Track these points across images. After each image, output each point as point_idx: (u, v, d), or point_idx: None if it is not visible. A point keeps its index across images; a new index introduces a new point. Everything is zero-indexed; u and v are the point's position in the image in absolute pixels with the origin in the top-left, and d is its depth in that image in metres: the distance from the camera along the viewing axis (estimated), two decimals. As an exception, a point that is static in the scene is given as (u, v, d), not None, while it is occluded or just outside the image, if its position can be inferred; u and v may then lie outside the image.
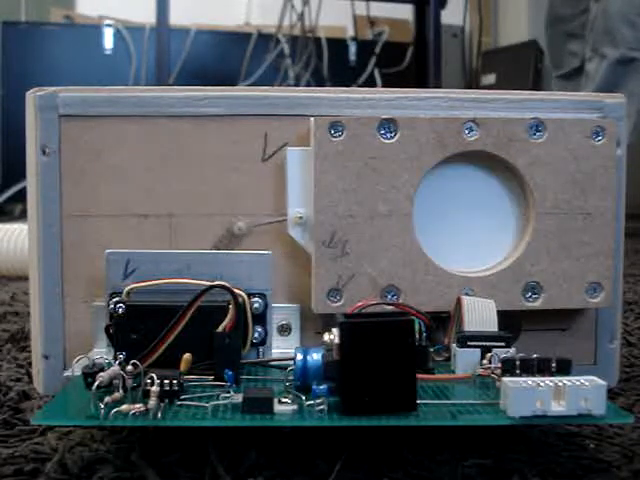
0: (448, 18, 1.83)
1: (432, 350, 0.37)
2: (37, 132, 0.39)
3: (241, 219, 0.39)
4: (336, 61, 2.12)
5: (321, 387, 0.31)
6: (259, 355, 0.37)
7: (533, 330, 0.41)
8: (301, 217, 0.39)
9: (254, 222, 0.39)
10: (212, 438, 0.35)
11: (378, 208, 0.38)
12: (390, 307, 0.37)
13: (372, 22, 2.09)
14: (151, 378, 0.31)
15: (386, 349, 0.30)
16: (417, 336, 0.34)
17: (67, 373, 0.37)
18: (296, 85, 1.89)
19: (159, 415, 0.30)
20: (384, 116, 0.38)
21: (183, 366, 0.33)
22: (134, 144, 0.39)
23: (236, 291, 0.35)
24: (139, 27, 2.02)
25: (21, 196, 1.74)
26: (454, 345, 0.36)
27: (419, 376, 0.32)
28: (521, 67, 2.12)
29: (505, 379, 0.31)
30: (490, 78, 2.25)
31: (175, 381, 0.31)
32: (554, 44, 1.54)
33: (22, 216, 1.70)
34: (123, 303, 0.35)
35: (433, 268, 0.39)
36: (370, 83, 2.11)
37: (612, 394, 0.42)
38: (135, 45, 2.02)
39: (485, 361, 0.35)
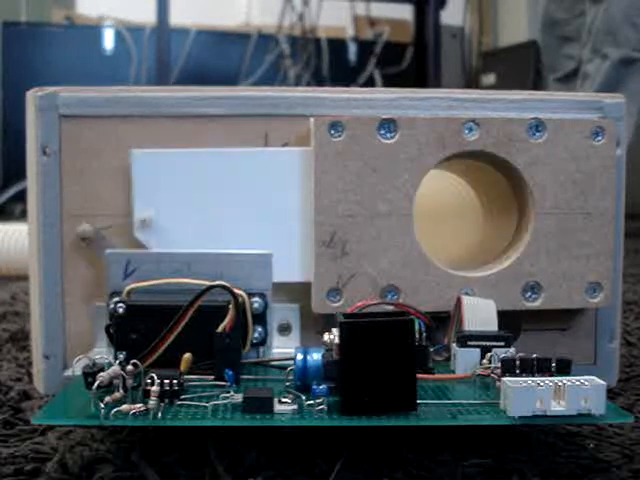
0: (448, 18, 1.84)
1: (432, 350, 0.37)
2: (37, 132, 0.39)
3: (86, 222, 0.38)
4: (336, 61, 2.12)
5: (321, 387, 0.31)
6: (259, 355, 0.37)
7: (533, 330, 0.41)
8: (145, 220, 0.38)
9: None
10: (212, 438, 0.35)
11: (378, 208, 0.38)
12: (390, 307, 0.37)
13: (372, 22, 2.09)
14: (151, 378, 0.31)
15: (386, 349, 0.30)
16: (417, 336, 0.34)
17: (67, 373, 0.37)
18: (296, 85, 1.89)
19: (159, 415, 0.30)
20: (384, 116, 0.38)
21: (183, 366, 0.33)
22: (134, 144, 0.39)
23: (236, 291, 0.35)
24: (139, 27, 2.02)
25: (21, 196, 1.74)
26: (454, 345, 0.36)
27: (419, 376, 0.32)
28: (521, 67, 2.12)
29: (505, 379, 0.31)
30: (490, 78, 2.24)
31: (175, 381, 0.31)
32: (550, 47, 1.55)
33: (22, 216, 1.70)
34: (123, 303, 0.35)
35: (433, 268, 0.39)
36: (370, 83, 2.11)
37: (612, 394, 0.42)
38: (135, 45, 2.02)
39: (485, 361, 0.35)
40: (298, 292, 0.39)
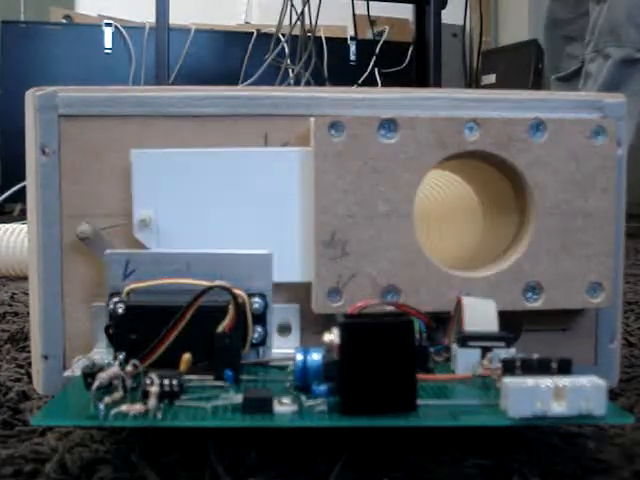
0: (448, 18, 1.83)
1: (432, 350, 0.36)
2: (37, 132, 0.39)
3: (86, 222, 0.38)
4: (336, 61, 2.12)
5: (321, 387, 0.31)
6: (259, 355, 0.37)
7: (533, 330, 0.41)
8: (144, 219, 0.38)
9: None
10: (212, 438, 0.35)
11: (378, 208, 0.38)
12: (390, 307, 0.37)
13: (372, 22, 2.09)
14: (151, 378, 0.31)
15: (386, 349, 0.30)
16: (417, 336, 0.34)
17: (67, 373, 0.37)
18: (296, 85, 1.89)
19: (159, 415, 0.30)
20: (384, 116, 0.38)
21: (183, 366, 0.33)
22: (134, 144, 0.39)
23: (236, 291, 0.35)
24: (139, 27, 2.02)
25: (21, 196, 1.73)
26: (454, 345, 0.36)
27: (419, 376, 0.32)
28: (521, 67, 2.12)
29: (505, 379, 0.31)
30: (490, 78, 2.25)
31: (175, 381, 0.31)
32: (553, 47, 1.55)
33: (22, 216, 1.70)
34: (123, 303, 0.35)
35: (433, 268, 0.39)
36: (370, 83, 2.11)
37: (612, 394, 0.42)
38: (135, 45, 2.02)
39: (485, 361, 0.35)
40: (298, 292, 0.39)
